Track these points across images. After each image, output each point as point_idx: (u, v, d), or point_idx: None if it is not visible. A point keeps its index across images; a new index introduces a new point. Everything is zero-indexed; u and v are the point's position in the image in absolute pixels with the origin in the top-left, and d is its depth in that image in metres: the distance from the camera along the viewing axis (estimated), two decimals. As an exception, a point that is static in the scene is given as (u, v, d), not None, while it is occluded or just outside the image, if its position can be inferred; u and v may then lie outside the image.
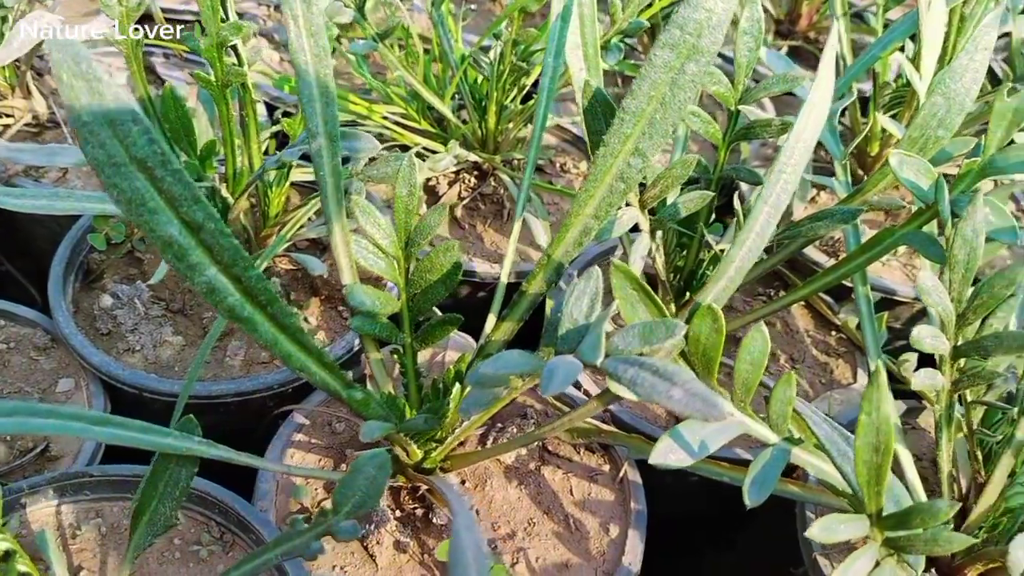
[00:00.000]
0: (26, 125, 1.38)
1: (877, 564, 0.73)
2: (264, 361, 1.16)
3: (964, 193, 0.95)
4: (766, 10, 1.95)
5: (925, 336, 0.77)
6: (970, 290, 0.79)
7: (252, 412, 1.16)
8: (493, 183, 1.43)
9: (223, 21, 0.97)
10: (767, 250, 1.21)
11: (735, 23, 1.04)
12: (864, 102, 1.41)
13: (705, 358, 0.81)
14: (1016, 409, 0.86)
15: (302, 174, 1.22)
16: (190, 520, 0.97)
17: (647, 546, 1.03)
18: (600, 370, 0.71)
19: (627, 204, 0.98)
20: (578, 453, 1.11)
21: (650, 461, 0.80)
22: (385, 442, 0.95)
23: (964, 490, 0.99)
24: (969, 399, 0.91)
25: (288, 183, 1.18)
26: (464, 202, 1.41)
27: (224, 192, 1.10)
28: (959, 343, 0.80)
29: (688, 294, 1.18)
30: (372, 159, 0.99)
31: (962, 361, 0.86)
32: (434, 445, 0.94)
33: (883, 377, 0.63)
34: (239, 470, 0.98)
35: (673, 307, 1.18)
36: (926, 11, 1.12)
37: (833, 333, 1.32)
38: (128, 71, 1.10)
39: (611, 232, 0.95)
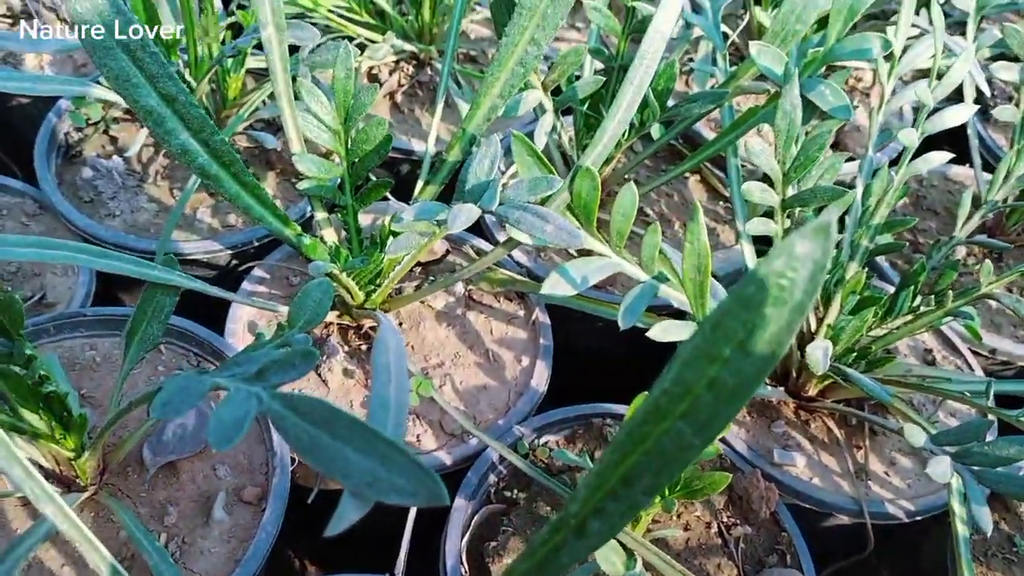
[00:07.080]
0: (1, 16, 1.51)
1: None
2: (229, 225, 1.34)
3: (811, 77, 1.14)
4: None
5: (754, 190, 0.98)
6: (793, 152, 0.98)
7: (219, 268, 1.35)
8: (429, 72, 1.60)
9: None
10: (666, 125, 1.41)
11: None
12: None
13: (586, 210, 1.01)
14: (839, 256, 1.08)
15: (256, 62, 1.37)
16: (172, 352, 1.17)
17: (562, 375, 1.25)
18: (500, 219, 0.91)
19: (532, 87, 1.16)
20: (498, 301, 1.32)
21: (541, 291, 1.00)
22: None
23: (809, 323, 1.22)
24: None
25: (244, 69, 1.34)
26: (403, 89, 1.57)
27: (188, 77, 1.25)
28: (786, 196, 1.01)
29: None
30: (316, 47, 1.15)
31: (798, 211, 1.07)
32: (373, 288, 1.15)
33: (700, 215, 0.83)
34: (211, 316, 1.18)
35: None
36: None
37: (721, 203, 1.52)
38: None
39: (517, 110, 1.13)
